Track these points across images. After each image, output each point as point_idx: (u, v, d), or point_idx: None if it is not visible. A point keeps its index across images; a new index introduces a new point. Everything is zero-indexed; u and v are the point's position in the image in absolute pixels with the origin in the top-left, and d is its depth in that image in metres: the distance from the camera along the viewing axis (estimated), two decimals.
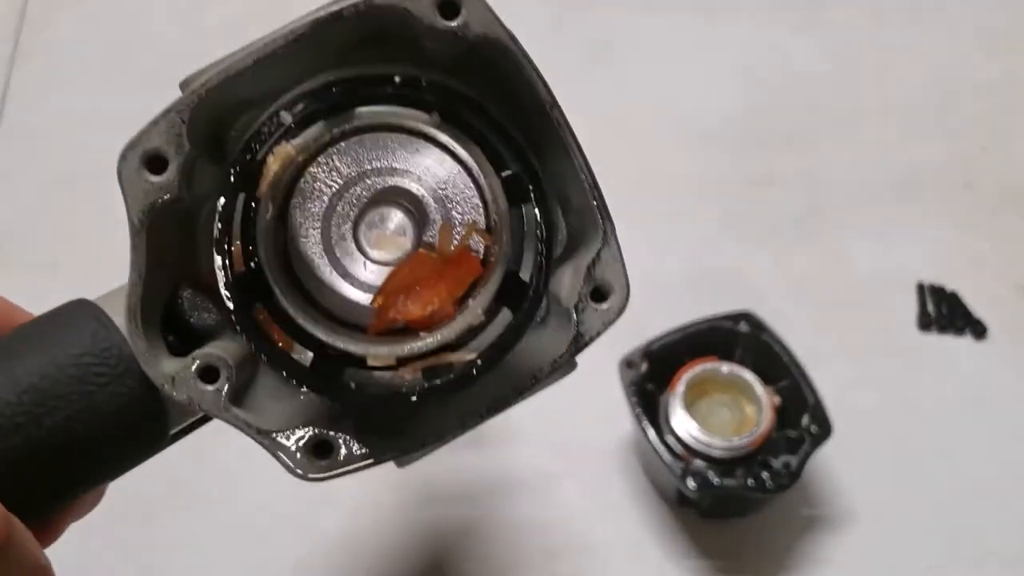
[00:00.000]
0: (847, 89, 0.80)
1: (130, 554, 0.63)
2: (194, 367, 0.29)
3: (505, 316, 0.30)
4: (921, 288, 0.71)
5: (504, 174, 0.29)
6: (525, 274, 0.30)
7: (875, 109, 0.79)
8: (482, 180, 0.30)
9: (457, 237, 0.31)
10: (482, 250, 0.31)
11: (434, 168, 0.31)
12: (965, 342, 0.69)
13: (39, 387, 0.29)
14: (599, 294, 0.31)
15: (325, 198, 0.30)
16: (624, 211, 0.77)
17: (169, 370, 0.29)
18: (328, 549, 0.63)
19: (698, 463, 0.58)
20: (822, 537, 0.63)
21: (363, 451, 0.30)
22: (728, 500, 0.61)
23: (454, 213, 0.31)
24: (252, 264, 0.29)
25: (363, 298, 0.31)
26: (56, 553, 0.66)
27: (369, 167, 0.30)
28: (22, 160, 0.78)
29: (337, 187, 0.30)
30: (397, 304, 0.30)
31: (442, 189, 0.31)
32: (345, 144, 0.30)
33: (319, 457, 0.30)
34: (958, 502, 0.64)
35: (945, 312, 0.70)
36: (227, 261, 0.28)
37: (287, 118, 0.28)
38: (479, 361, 0.29)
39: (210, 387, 0.29)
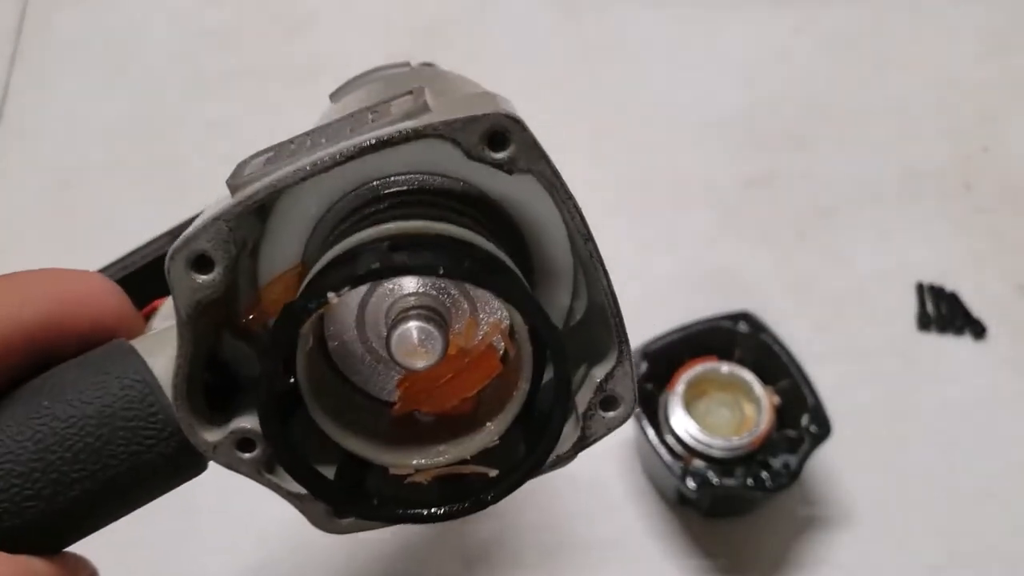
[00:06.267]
0: (847, 89, 0.80)
1: (130, 551, 0.63)
2: (232, 440, 0.32)
3: (520, 444, 0.33)
4: (920, 288, 0.71)
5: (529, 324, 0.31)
6: (544, 403, 0.32)
7: (875, 109, 0.79)
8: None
9: (481, 333, 0.32)
10: (502, 349, 0.32)
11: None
12: (964, 342, 0.69)
13: (94, 447, 0.32)
14: (608, 404, 0.33)
15: (357, 302, 0.32)
16: (624, 211, 0.78)
17: (211, 439, 0.32)
18: (328, 550, 0.63)
19: (698, 463, 0.58)
20: (821, 537, 0.63)
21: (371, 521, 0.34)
22: (728, 500, 0.61)
23: (480, 314, 0.32)
24: (291, 380, 0.31)
25: (392, 380, 0.34)
26: None
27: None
28: (22, 160, 0.79)
29: (362, 296, 0.32)
30: (419, 398, 0.33)
31: (470, 293, 0.32)
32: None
33: (340, 517, 0.34)
34: (958, 502, 0.64)
35: (944, 312, 0.70)
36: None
37: (335, 299, 0.29)
38: (492, 486, 0.32)
39: (247, 455, 0.33)
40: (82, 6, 0.86)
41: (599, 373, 0.33)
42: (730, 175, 0.76)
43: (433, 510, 0.32)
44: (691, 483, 0.58)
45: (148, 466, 0.33)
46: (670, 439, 0.59)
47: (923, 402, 0.67)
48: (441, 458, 0.32)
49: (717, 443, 0.58)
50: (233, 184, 0.31)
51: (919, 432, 0.66)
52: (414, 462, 0.32)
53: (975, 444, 0.66)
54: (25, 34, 0.84)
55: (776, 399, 0.60)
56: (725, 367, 0.61)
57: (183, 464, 0.34)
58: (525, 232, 0.33)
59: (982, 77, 0.80)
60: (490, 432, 0.32)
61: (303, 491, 0.33)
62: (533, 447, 0.32)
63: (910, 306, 0.70)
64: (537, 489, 0.65)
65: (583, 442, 0.33)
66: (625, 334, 0.32)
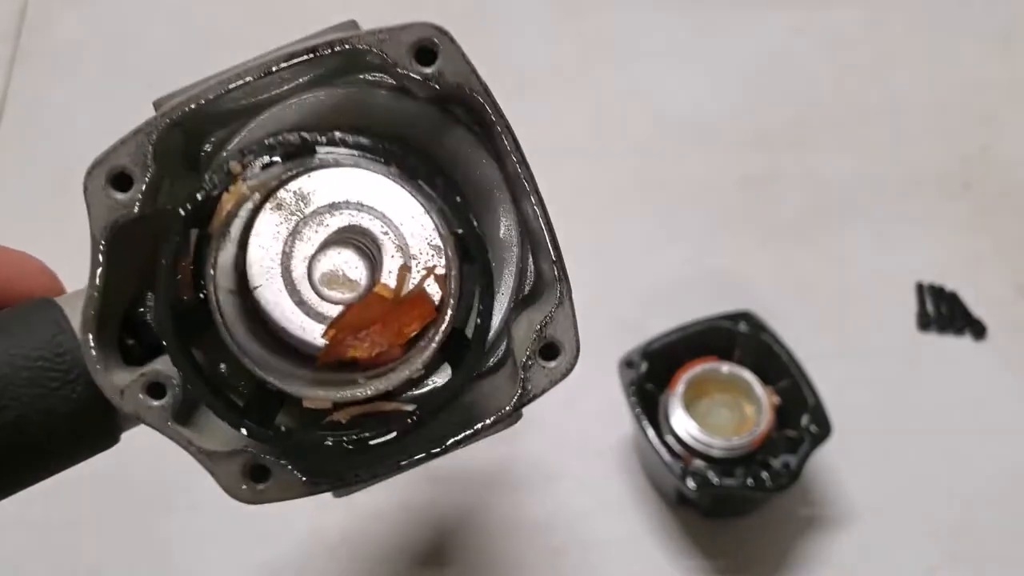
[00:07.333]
0: (847, 89, 0.80)
1: (131, 551, 0.63)
2: (142, 382, 0.30)
3: (446, 371, 0.31)
4: (920, 288, 0.71)
5: (457, 231, 0.30)
6: (469, 331, 0.30)
7: (875, 109, 0.79)
8: (442, 230, 0.30)
9: (414, 281, 0.31)
10: (438, 296, 0.31)
11: (395, 212, 0.31)
12: (964, 342, 0.69)
13: None
14: (548, 352, 0.31)
15: (283, 235, 0.31)
16: (624, 211, 0.77)
17: (119, 382, 0.30)
18: (329, 550, 0.63)
19: (698, 463, 0.58)
20: (821, 537, 0.63)
21: (300, 479, 0.31)
22: (728, 500, 0.61)
23: (412, 257, 0.31)
24: (200, 295, 0.29)
25: (316, 329, 0.31)
26: (55, 550, 0.67)
27: (330, 204, 0.31)
28: (22, 160, 0.79)
29: (296, 223, 0.31)
30: (346, 340, 0.30)
31: (401, 232, 0.31)
32: (308, 179, 0.31)
33: (255, 481, 0.31)
34: (958, 502, 0.64)
35: (944, 312, 0.70)
36: (171, 293, 0.29)
37: (237, 168, 0.28)
38: (415, 414, 0.30)
39: (156, 403, 0.30)
40: (82, 6, 0.86)
41: (537, 317, 0.31)
42: (729, 175, 0.76)
43: (345, 436, 0.30)
44: (691, 483, 0.58)
45: (52, 412, 0.31)
46: (670, 439, 0.59)
47: (923, 402, 0.67)
48: (360, 391, 0.30)
49: (717, 443, 0.58)
50: (157, 103, 0.30)
51: (919, 432, 0.66)
52: (335, 395, 0.30)
53: (975, 444, 0.66)
54: (25, 34, 0.84)
55: (776, 399, 0.60)
56: (725, 367, 0.61)
57: (90, 416, 0.31)
58: (471, 201, 0.32)
59: (982, 77, 0.80)
60: (414, 362, 0.30)
61: (214, 448, 0.30)
62: (458, 365, 0.30)
63: (910, 306, 0.70)
64: (537, 489, 0.65)
65: (524, 396, 0.31)
66: (564, 271, 0.31)
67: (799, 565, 0.62)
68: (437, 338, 0.30)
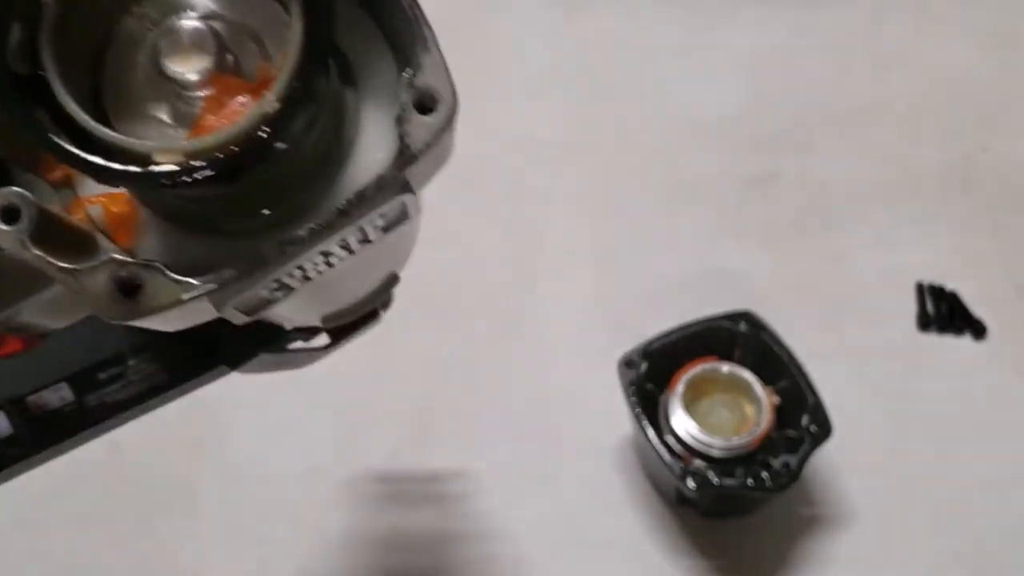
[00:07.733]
0: (847, 89, 0.80)
1: (132, 552, 0.63)
2: None
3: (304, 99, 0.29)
4: (920, 288, 0.71)
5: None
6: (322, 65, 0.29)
7: (875, 109, 0.79)
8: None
9: (275, 68, 0.29)
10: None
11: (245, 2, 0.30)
12: (964, 342, 0.69)
13: None
14: (423, 104, 0.29)
15: (143, 34, 0.30)
16: (624, 211, 0.77)
17: None
18: (329, 549, 0.63)
19: (698, 463, 0.58)
20: (822, 537, 0.63)
21: (172, 281, 0.29)
22: (727, 500, 0.61)
23: (267, 41, 0.30)
24: (38, 72, 0.28)
25: (175, 130, 0.30)
26: (56, 550, 0.66)
27: (186, 7, 0.30)
28: None
29: (154, 19, 0.30)
30: (207, 128, 0.29)
31: (252, 19, 0.30)
32: None
33: (127, 296, 0.29)
34: (958, 502, 0.64)
35: (944, 312, 0.70)
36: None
37: None
38: (267, 129, 0.28)
39: (10, 226, 0.28)
40: None
41: (405, 68, 0.29)
42: (730, 175, 0.76)
43: (192, 171, 0.27)
44: (691, 483, 0.58)
45: None
46: (670, 439, 0.59)
47: (923, 402, 0.67)
48: (214, 135, 0.28)
49: (717, 443, 0.58)
50: None
51: (919, 432, 0.66)
52: (188, 145, 0.28)
53: (975, 444, 0.66)
54: None
55: (776, 399, 0.60)
56: (725, 367, 0.61)
57: None
58: None
59: (982, 77, 0.80)
60: (266, 98, 0.28)
61: (74, 265, 0.29)
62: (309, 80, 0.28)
63: (910, 306, 0.70)
64: (537, 489, 0.65)
65: (406, 154, 0.29)
66: (427, 20, 0.29)
67: (799, 565, 0.62)
68: (288, 70, 0.28)
